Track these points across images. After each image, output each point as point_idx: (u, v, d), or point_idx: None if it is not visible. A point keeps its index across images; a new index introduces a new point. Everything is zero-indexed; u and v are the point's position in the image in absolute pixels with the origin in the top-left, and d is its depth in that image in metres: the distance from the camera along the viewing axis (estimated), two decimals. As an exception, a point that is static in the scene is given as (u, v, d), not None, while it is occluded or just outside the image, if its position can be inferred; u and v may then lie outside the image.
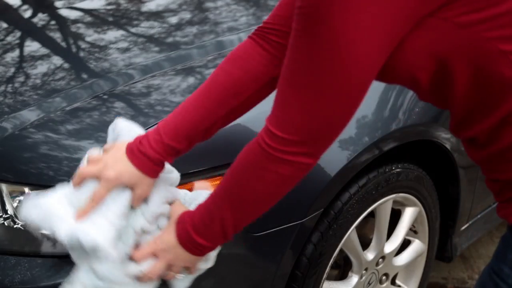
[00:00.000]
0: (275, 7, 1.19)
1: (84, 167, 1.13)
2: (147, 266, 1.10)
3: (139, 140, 1.11)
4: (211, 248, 1.09)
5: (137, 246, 1.12)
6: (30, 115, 1.48)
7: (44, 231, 1.17)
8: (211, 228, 1.05)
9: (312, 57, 0.88)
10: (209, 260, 1.15)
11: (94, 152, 1.16)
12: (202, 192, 1.21)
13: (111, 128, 1.20)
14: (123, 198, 1.10)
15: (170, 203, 1.16)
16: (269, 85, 1.18)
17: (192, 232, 1.06)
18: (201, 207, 1.07)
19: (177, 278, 1.14)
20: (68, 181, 1.14)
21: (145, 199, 1.14)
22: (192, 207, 1.14)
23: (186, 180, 1.32)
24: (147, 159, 1.10)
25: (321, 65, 0.88)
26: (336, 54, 0.86)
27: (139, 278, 1.10)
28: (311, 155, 0.95)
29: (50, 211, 1.09)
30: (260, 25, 1.20)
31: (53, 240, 1.30)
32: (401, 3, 0.85)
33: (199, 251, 1.08)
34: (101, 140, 1.36)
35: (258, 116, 1.44)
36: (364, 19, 0.84)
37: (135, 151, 1.10)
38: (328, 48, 0.86)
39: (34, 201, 1.10)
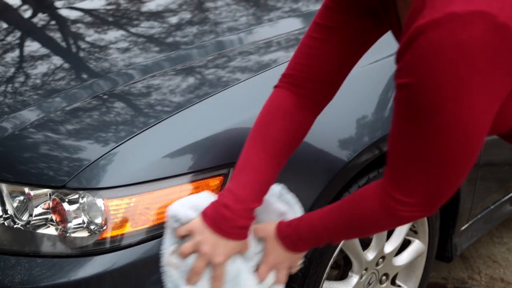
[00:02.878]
0: (295, 57, 1.27)
1: (194, 267, 1.23)
2: (273, 278, 1.31)
3: (223, 216, 1.20)
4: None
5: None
6: (30, 115, 1.48)
7: None
8: (317, 242, 1.23)
9: (428, 140, 0.97)
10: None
11: (170, 248, 1.26)
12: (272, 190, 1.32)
13: (170, 213, 1.26)
14: (239, 262, 1.27)
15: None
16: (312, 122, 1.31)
17: (300, 242, 1.24)
18: (307, 225, 1.22)
19: (298, 268, 1.36)
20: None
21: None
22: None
23: (185, 180, 1.32)
24: (244, 229, 1.22)
25: (438, 147, 0.97)
26: (451, 137, 0.95)
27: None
28: (429, 211, 1.08)
29: None
30: (286, 74, 1.27)
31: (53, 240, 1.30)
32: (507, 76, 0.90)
33: (309, 247, 1.27)
34: (101, 140, 1.36)
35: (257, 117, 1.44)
36: (477, 102, 0.91)
37: (230, 229, 1.20)
38: (443, 133, 0.95)
39: None
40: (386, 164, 1.07)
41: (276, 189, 1.34)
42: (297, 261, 1.32)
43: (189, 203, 1.26)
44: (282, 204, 1.33)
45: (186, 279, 1.25)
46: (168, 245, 1.27)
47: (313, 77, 1.23)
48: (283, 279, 1.31)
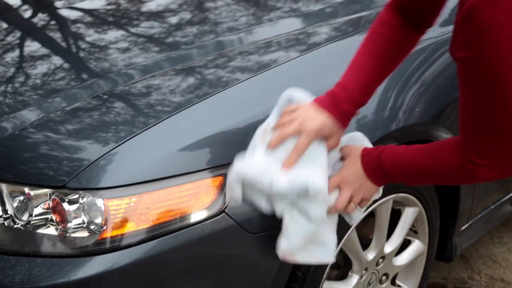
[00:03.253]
0: None
1: (283, 130, 1.29)
2: (334, 198, 1.32)
3: (329, 101, 1.31)
4: (389, 182, 1.34)
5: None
6: (30, 115, 1.48)
7: (259, 186, 1.28)
8: (392, 176, 1.30)
9: (491, 108, 1.05)
10: (379, 192, 1.39)
11: (271, 122, 1.33)
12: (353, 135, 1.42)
13: (284, 97, 1.35)
14: (323, 149, 1.30)
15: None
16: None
17: (377, 167, 1.30)
18: (389, 155, 1.29)
19: (356, 210, 1.36)
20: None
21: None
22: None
23: (185, 180, 1.32)
24: (345, 115, 1.32)
25: (503, 114, 1.04)
26: None
27: (328, 211, 1.31)
28: (508, 173, 1.15)
29: (264, 167, 1.27)
30: (391, 2, 1.37)
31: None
32: None
33: (381, 182, 1.34)
34: (101, 140, 1.36)
35: (257, 117, 1.44)
36: None
37: (334, 110, 1.31)
38: (505, 101, 1.02)
39: (243, 164, 1.28)
40: (459, 128, 1.14)
41: (359, 134, 1.43)
42: (362, 192, 1.34)
43: (304, 92, 1.36)
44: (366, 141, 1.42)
45: (268, 143, 1.29)
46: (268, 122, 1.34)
47: (412, 8, 1.32)
48: (342, 203, 1.33)
